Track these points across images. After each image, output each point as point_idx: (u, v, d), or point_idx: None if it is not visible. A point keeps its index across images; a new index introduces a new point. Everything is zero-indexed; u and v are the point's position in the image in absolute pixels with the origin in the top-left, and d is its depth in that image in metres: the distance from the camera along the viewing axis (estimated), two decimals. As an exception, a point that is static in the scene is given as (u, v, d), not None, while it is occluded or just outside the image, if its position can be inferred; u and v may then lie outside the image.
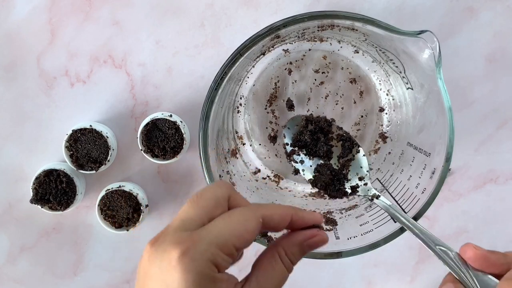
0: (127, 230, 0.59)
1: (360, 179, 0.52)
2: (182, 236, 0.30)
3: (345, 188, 0.52)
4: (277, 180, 0.59)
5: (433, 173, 0.46)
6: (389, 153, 0.56)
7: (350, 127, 0.58)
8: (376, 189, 0.50)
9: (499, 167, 0.62)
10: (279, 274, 0.33)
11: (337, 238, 0.48)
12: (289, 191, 0.59)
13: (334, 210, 0.53)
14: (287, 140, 0.55)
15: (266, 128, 0.58)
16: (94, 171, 0.58)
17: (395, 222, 0.45)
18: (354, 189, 0.52)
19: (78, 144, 0.59)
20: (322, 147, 0.53)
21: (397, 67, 0.51)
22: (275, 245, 0.34)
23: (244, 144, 0.59)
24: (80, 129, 0.58)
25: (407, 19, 0.59)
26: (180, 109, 0.61)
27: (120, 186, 0.59)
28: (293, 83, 0.58)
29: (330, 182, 0.52)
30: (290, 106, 0.57)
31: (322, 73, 0.57)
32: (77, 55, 0.60)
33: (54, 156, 0.62)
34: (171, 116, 0.58)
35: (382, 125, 0.58)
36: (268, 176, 0.59)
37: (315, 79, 0.57)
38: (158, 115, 0.58)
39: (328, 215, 0.52)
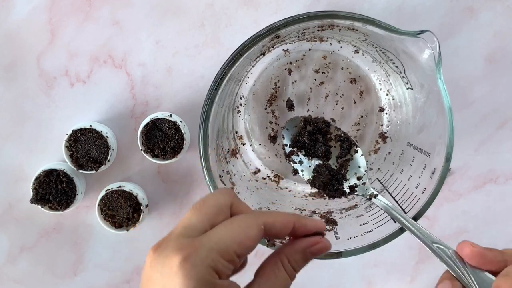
0: (127, 230, 0.59)
1: (359, 178, 0.52)
2: (184, 242, 0.30)
3: (344, 188, 0.52)
4: (277, 180, 0.59)
5: (433, 173, 0.46)
6: (389, 153, 0.56)
7: (350, 127, 0.58)
8: (375, 188, 0.50)
9: (499, 167, 0.62)
10: (282, 282, 0.33)
11: (337, 238, 0.48)
12: (289, 191, 0.59)
13: (334, 210, 0.53)
14: (286, 141, 0.55)
15: (266, 128, 0.58)
16: (94, 171, 0.58)
17: (395, 222, 0.45)
18: (353, 188, 0.52)
19: (78, 144, 0.59)
20: (320, 148, 0.53)
21: (397, 67, 0.51)
22: (278, 253, 0.34)
23: (244, 144, 0.59)
24: (80, 129, 0.58)
25: (407, 19, 0.59)
26: (180, 109, 0.61)
27: (120, 186, 0.59)
28: (293, 83, 0.58)
29: (329, 182, 0.52)
30: (290, 106, 0.57)
31: (322, 73, 0.57)
32: (77, 55, 0.60)
33: (54, 156, 0.62)
34: (171, 116, 0.58)
35: (382, 125, 0.58)
36: (268, 176, 0.59)
37: (315, 79, 0.57)
38: (158, 115, 0.58)
39: (328, 215, 0.52)
